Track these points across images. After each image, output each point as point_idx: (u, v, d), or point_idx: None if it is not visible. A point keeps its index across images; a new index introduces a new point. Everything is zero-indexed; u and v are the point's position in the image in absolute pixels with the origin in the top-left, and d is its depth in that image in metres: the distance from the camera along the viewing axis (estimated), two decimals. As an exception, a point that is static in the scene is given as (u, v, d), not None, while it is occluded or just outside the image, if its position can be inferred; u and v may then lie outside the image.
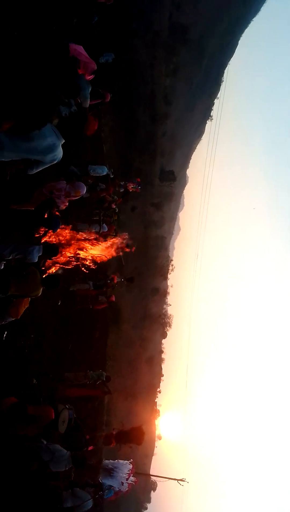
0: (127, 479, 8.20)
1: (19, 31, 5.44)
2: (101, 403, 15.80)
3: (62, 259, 6.24)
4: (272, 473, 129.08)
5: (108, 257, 6.64)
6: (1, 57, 4.26)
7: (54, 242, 5.05)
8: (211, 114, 54.06)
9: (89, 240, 6.70)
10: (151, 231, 39.03)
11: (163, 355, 52.29)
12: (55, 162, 3.97)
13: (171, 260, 49.37)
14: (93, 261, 7.00)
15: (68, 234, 6.50)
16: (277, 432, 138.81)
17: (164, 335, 49.61)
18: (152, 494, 47.71)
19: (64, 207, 6.01)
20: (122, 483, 8.10)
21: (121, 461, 8.42)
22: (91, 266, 7.26)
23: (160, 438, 48.62)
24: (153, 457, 46.48)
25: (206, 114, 53.33)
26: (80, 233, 6.46)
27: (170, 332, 50.00)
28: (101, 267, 11.86)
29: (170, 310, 50.19)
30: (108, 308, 16.13)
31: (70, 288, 10.40)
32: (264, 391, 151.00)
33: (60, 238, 6.17)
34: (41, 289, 5.04)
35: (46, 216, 4.64)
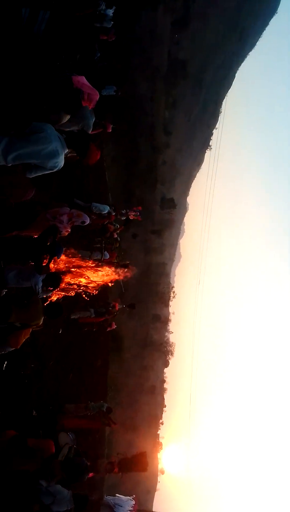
0: (129, 516, 7.82)
1: (23, 67, 5.62)
2: (102, 435, 15.33)
3: (63, 286, 6.22)
4: (277, 506, 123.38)
5: (109, 283, 6.63)
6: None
7: (57, 271, 5.02)
8: (210, 143, 55.38)
9: (90, 267, 6.70)
10: (152, 258, 39.14)
11: (165, 385, 51.17)
12: (55, 169, 3.88)
13: (173, 287, 49.18)
14: (95, 288, 6.98)
15: (70, 261, 6.51)
16: (283, 465, 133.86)
17: (166, 364, 48.70)
18: (155, 533, 45.50)
19: (66, 234, 6.00)
20: (124, 522, 7.73)
21: (123, 497, 8.05)
22: (92, 293, 7.23)
23: (163, 472, 46.87)
24: (155, 492, 44.62)
25: (205, 144, 54.61)
26: (81, 260, 6.47)
27: (172, 361, 49.17)
28: (102, 294, 11.81)
29: (172, 337, 49.58)
30: (109, 337, 15.94)
31: (72, 316, 10.31)
32: (270, 421, 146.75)
33: (62, 265, 6.18)
34: (43, 318, 4.99)
35: (48, 243, 4.64)
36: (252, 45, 54.90)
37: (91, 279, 6.30)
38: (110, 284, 7.10)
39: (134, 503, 8.85)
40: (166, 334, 48.67)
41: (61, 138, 3.81)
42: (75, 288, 6.27)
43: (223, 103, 53.59)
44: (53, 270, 5.01)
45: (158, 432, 44.33)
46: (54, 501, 4.91)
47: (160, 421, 46.67)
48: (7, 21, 4.01)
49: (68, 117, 4.27)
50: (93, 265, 6.59)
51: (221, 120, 53.65)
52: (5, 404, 5.93)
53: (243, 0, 39.77)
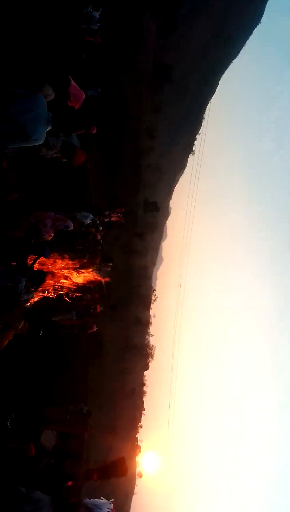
0: (108, 520, 7.76)
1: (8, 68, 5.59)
2: (81, 439, 15.19)
3: (45, 287, 6.17)
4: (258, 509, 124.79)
5: (91, 284, 6.61)
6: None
7: (40, 269, 4.99)
8: (193, 148, 55.92)
9: (73, 269, 6.68)
10: (134, 260, 39.17)
11: (145, 388, 51.11)
12: (35, 142, 3.77)
13: (154, 290, 49.33)
14: (76, 289, 6.95)
15: (52, 264, 6.46)
16: (264, 467, 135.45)
17: (146, 367, 48.69)
18: (132, 537, 45.28)
19: (50, 238, 5.97)
20: (103, 525, 7.67)
21: (101, 500, 8.00)
22: (74, 295, 7.19)
23: (141, 475, 46.70)
24: (133, 496, 44.47)
25: (188, 149, 55.11)
26: (64, 262, 6.43)
27: (153, 364, 49.18)
28: (84, 296, 11.75)
29: (152, 340, 49.63)
30: (90, 339, 15.84)
31: (52, 318, 10.22)
32: (252, 424, 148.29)
33: (44, 267, 6.13)
34: (23, 322, 4.93)
35: (32, 243, 4.61)
36: (236, 53, 55.81)
37: (73, 280, 6.27)
38: (91, 284, 7.09)
39: (112, 506, 8.81)
40: (147, 337, 48.72)
41: (49, 114, 3.78)
42: (57, 290, 6.24)
43: (207, 109, 54.31)
44: (38, 269, 4.97)
45: (136, 436, 44.22)
46: (35, 509, 4.87)
47: (139, 424, 46.57)
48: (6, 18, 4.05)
49: (52, 93, 4.26)
50: (76, 266, 6.57)
51: (205, 126, 54.31)
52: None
53: (230, 9, 40.44)
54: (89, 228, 11.06)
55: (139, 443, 43.36)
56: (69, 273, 6.47)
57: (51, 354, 10.35)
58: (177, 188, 65.68)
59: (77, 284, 6.74)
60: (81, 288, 7.03)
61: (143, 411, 49.32)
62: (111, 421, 29.17)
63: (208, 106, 54.07)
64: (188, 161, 59.43)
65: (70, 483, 6.64)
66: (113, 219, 14.73)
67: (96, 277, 7.48)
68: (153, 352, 45.88)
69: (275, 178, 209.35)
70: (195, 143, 56.07)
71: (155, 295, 47.89)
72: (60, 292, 6.55)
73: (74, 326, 11.95)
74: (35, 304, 6.21)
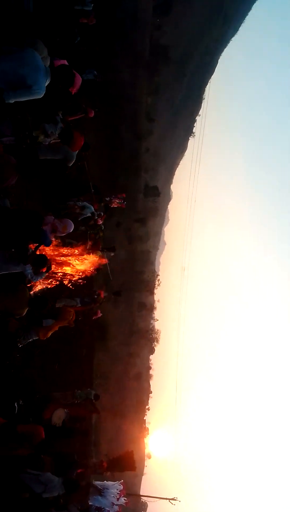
0: (117, 500, 8.00)
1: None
2: (89, 422, 15.47)
3: (48, 275, 6.18)
4: (267, 489, 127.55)
5: (93, 271, 6.63)
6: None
7: (41, 254, 4.97)
8: (193, 130, 55.16)
9: (75, 255, 6.68)
10: (136, 246, 39.15)
11: (151, 371, 51.76)
12: (36, 92, 3.70)
13: (158, 275, 49.43)
14: (80, 276, 6.96)
15: (55, 250, 6.47)
16: (272, 446, 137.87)
17: (151, 351, 49.19)
18: (143, 515, 46.51)
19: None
20: (113, 504, 7.90)
21: (110, 482, 8.23)
22: (77, 282, 7.21)
23: (149, 457, 47.69)
24: (143, 476, 45.48)
25: (188, 131, 54.36)
26: (66, 249, 6.43)
27: (158, 348, 49.65)
28: (87, 283, 11.79)
29: (157, 325, 50.00)
30: (95, 325, 15.97)
31: (56, 305, 10.28)
32: (258, 404, 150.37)
33: (46, 253, 6.13)
34: (27, 309, 4.96)
35: (33, 230, 4.58)
36: (235, 30, 54.53)
37: (76, 267, 6.28)
38: (94, 271, 7.10)
39: (121, 487, 9.06)
40: (152, 321, 49.06)
41: (47, 67, 3.74)
42: (60, 277, 6.25)
43: (206, 89, 53.31)
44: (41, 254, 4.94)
45: (144, 418, 44.99)
46: (45, 490, 5.00)
47: (147, 407, 47.33)
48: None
49: (45, 51, 4.23)
50: (78, 253, 6.57)
51: (205, 107, 53.37)
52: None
53: (227, -16, 39.40)
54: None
55: (147, 425, 44.17)
56: (71, 260, 6.47)
57: (56, 340, 10.45)
58: (178, 172, 65.09)
59: (80, 271, 6.74)
60: (84, 275, 7.04)
61: (150, 394, 50.09)
62: (118, 404, 29.66)
63: (207, 86, 53.11)
64: (188, 144, 58.73)
65: (80, 470, 6.83)
66: (114, 204, 14.68)
67: (99, 264, 7.50)
68: (158, 336, 46.28)
69: (276, 158, 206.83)
70: (195, 125, 55.32)
71: (158, 280, 48.00)
72: (63, 279, 6.57)
73: (78, 312, 12.04)
74: (39, 292, 6.24)
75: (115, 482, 8.58)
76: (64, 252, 6.58)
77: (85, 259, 6.94)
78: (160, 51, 31.31)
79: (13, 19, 4.28)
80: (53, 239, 6.05)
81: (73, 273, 6.78)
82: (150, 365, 51.42)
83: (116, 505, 8.31)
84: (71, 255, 6.68)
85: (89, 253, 7.43)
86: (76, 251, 6.72)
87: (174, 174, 63.25)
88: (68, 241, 8.28)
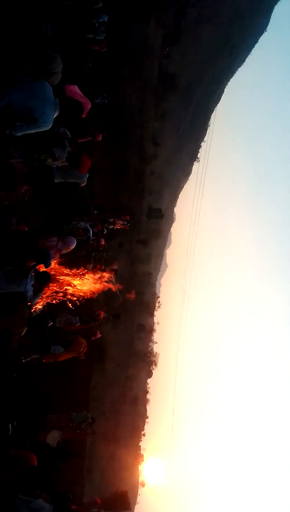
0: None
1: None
2: (83, 447, 15.10)
3: (49, 294, 6.17)
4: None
5: (96, 293, 6.61)
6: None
7: (43, 270, 4.97)
8: (198, 156, 56.00)
9: (77, 275, 6.67)
10: (138, 267, 39.12)
11: (148, 396, 50.77)
12: (43, 125, 3.73)
13: (158, 296, 49.15)
14: (81, 297, 6.94)
15: (56, 270, 6.47)
16: (269, 477, 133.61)
17: (149, 374, 48.40)
18: None
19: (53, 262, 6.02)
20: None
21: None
22: (78, 302, 7.18)
23: (143, 485, 46.29)
24: (136, 505, 43.96)
25: (193, 156, 55.20)
26: (68, 269, 6.43)
27: (156, 371, 48.87)
28: (88, 303, 11.74)
29: (156, 348, 49.37)
30: (93, 346, 15.77)
31: (56, 325, 10.20)
32: (257, 433, 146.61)
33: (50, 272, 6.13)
34: (25, 328, 4.92)
35: (35, 249, 4.60)
36: (241, 61, 56.05)
37: (78, 287, 6.27)
38: (95, 294, 7.08)
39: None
40: (150, 344, 48.47)
41: (56, 99, 3.77)
42: (61, 296, 6.23)
43: (212, 116, 54.43)
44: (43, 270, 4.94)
45: (139, 444, 43.86)
46: (36, 519, 4.81)
47: (142, 432, 46.19)
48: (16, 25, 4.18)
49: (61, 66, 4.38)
50: (80, 273, 6.57)
51: (210, 134, 54.40)
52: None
53: (235, 17, 40.67)
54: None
55: (142, 451, 43.03)
56: (73, 280, 6.46)
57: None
58: (182, 195, 65.75)
59: (81, 291, 6.72)
60: (86, 295, 7.02)
61: (146, 419, 48.96)
62: (113, 429, 28.97)
63: (213, 113, 54.25)
64: (193, 168, 59.53)
65: (74, 507, 6.62)
66: (118, 226, 14.79)
67: (101, 284, 7.48)
68: (156, 360, 45.62)
69: (279, 186, 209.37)
70: (200, 151, 56.20)
71: (159, 302, 47.69)
72: (64, 299, 6.55)
73: (77, 332, 11.93)
74: (39, 312, 6.21)
75: (108, 512, 8.33)
76: (66, 272, 6.58)
77: (87, 279, 6.93)
78: (168, 79, 32.15)
79: (33, 42, 4.43)
80: (57, 257, 6.08)
81: (74, 293, 6.77)
82: (147, 389, 50.48)
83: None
84: (73, 274, 6.68)
85: (91, 273, 7.43)
86: (79, 271, 6.72)
87: (178, 197, 63.86)
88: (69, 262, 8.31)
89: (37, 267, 4.63)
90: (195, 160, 56.13)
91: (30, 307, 5.04)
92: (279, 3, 50.25)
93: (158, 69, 30.82)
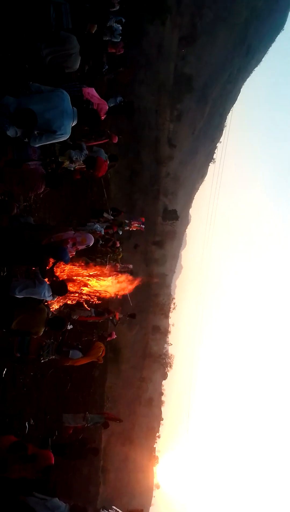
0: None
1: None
2: (98, 446, 15.16)
3: (66, 295, 6.23)
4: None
5: (113, 294, 6.63)
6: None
7: (61, 280, 5.03)
8: (214, 157, 55.77)
9: (94, 276, 6.72)
10: (153, 268, 39.09)
11: (163, 397, 50.64)
12: (61, 137, 3.79)
13: (173, 298, 49.03)
14: (97, 297, 6.98)
15: (73, 269, 6.53)
16: (287, 479, 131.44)
17: (164, 376, 48.28)
18: None
19: (70, 256, 6.09)
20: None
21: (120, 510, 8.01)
22: (94, 301, 7.23)
23: (158, 487, 46.15)
24: (150, 507, 43.87)
25: (209, 157, 54.99)
26: (85, 268, 6.48)
27: (171, 373, 48.70)
28: (103, 303, 11.81)
29: (171, 350, 49.22)
30: (108, 346, 15.84)
31: (72, 316, 10.22)
32: (273, 437, 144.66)
33: (65, 273, 6.20)
34: (43, 329, 4.99)
35: (53, 247, 4.66)
36: (258, 61, 55.59)
37: (95, 288, 6.31)
38: (116, 296, 7.10)
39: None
40: (165, 345, 48.36)
41: (74, 109, 3.79)
42: (78, 297, 6.29)
43: (228, 117, 54.13)
44: (57, 277, 5.00)
45: (154, 446, 43.76)
46: (51, 517, 4.87)
47: (157, 434, 46.09)
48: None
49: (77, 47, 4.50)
50: (97, 273, 6.61)
51: (226, 134, 54.14)
52: (3, 411, 5.90)
53: (251, 17, 40.36)
54: (108, 235, 11.20)
55: (156, 453, 42.92)
56: (89, 280, 6.51)
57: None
58: (197, 196, 65.57)
59: (97, 292, 6.77)
60: (101, 296, 7.07)
61: (161, 421, 48.84)
62: (128, 430, 28.99)
63: (229, 114, 53.94)
64: (208, 169, 59.30)
65: None
66: (133, 227, 14.85)
67: (117, 285, 7.52)
68: (171, 362, 45.48)
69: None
70: (216, 151, 55.95)
71: (174, 303, 47.56)
72: (80, 299, 6.61)
73: (92, 332, 12.02)
74: (57, 312, 6.28)
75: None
76: (82, 272, 6.63)
77: (103, 280, 6.96)
78: (183, 80, 32.12)
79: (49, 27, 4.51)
80: (73, 253, 6.12)
81: (90, 293, 6.82)
82: (162, 390, 50.38)
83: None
84: (90, 275, 6.73)
85: (107, 274, 7.47)
86: (95, 271, 6.77)
87: (193, 198, 63.71)
88: (86, 260, 8.38)
89: (56, 265, 4.67)
90: (211, 161, 55.92)
91: (49, 307, 5.11)
92: (295, 1, 49.46)
93: (174, 70, 30.83)
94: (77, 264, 6.20)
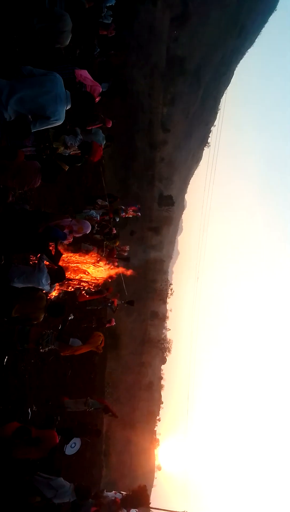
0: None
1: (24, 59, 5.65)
2: (100, 426, 15.40)
3: (64, 282, 6.23)
4: (277, 503, 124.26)
5: (109, 279, 6.66)
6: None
7: (59, 266, 5.00)
8: (209, 141, 55.33)
9: (91, 262, 6.72)
10: (150, 255, 39.17)
11: (162, 382, 51.34)
12: (56, 122, 3.74)
13: (170, 284, 49.27)
14: (94, 283, 7.00)
15: (71, 257, 6.52)
16: (285, 462, 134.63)
17: (163, 361, 48.86)
18: (152, 529, 45.65)
19: (68, 243, 6.05)
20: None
21: (122, 492, 8.16)
22: (92, 289, 7.26)
23: (159, 468, 47.15)
24: (152, 488, 44.90)
25: (203, 141, 54.56)
26: (82, 255, 6.48)
27: (170, 358, 49.29)
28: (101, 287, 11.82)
29: (169, 335, 49.71)
30: (107, 333, 15.93)
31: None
32: (270, 418, 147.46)
33: (62, 261, 6.19)
34: (43, 315, 5.00)
35: (41, 231, 4.62)
36: (251, 42, 54.84)
37: (92, 274, 6.32)
38: (109, 279, 7.11)
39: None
40: (164, 331, 48.80)
41: (67, 92, 3.71)
42: (76, 284, 6.30)
43: (222, 100, 53.55)
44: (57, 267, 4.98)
45: (155, 429, 44.57)
46: (56, 495, 5.00)
47: (157, 417, 46.88)
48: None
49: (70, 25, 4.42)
50: (94, 260, 6.61)
51: (220, 117, 53.62)
52: (6, 399, 5.95)
53: (243, -3, 39.63)
54: (105, 221, 11.13)
55: (157, 436, 43.73)
56: (87, 267, 6.51)
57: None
58: (193, 181, 65.30)
59: (95, 279, 6.78)
60: (99, 283, 7.08)
61: (161, 405, 49.63)
62: (128, 414, 29.45)
63: (223, 97, 53.36)
64: (203, 154, 58.89)
65: (94, 509, 6.77)
66: (129, 214, 14.77)
67: (113, 271, 7.53)
68: (170, 346, 45.96)
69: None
70: (210, 135, 55.51)
71: (171, 289, 47.82)
72: (79, 285, 6.62)
73: (92, 320, 12.07)
74: (56, 299, 6.28)
75: (125, 494, 8.52)
76: (79, 259, 6.62)
77: (100, 266, 6.97)
78: (176, 62, 31.62)
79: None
80: (70, 239, 6.10)
81: (88, 280, 6.83)
82: (162, 375, 51.04)
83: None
84: (87, 262, 6.72)
85: (104, 261, 7.47)
86: (92, 258, 6.76)
87: (188, 183, 63.43)
88: (84, 246, 8.35)
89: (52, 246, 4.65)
90: (206, 145, 55.48)
91: (47, 294, 5.11)
92: (289, -21, 48.60)
93: (166, 53, 30.31)
94: (76, 252, 6.19)
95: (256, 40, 56.00)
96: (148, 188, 33.36)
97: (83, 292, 9.65)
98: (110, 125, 8.66)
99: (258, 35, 55.03)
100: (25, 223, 4.49)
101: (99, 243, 10.57)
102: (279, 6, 53.08)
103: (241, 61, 55.98)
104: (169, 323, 52.08)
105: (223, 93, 53.46)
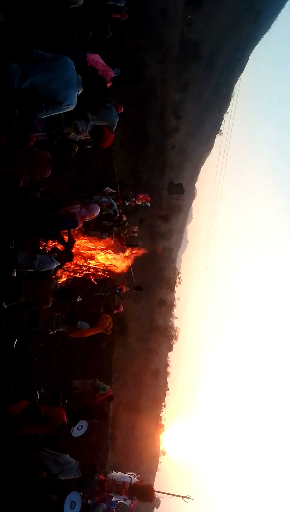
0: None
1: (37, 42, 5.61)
2: (107, 410, 15.65)
3: (73, 268, 6.29)
4: (281, 492, 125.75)
5: (119, 269, 6.69)
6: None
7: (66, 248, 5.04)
8: (221, 128, 54.53)
9: (100, 249, 6.76)
10: (159, 243, 39.12)
11: (168, 369, 51.79)
12: (67, 108, 3.69)
13: (179, 272, 49.28)
14: (104, 270, 7.04)
15: (80, 244, 6.56)
16: (285, 451, 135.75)
17: (170, 348, 49.20)
18: (155, 511, 46.63)
19: (78, 228, 6.09)
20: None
21: (128, 473, 8.35)
22: (101, 275, 7.31)
23: (164, 453, 47.90)
24: (157, 472, 45.73)
25: (215, 129, 53.79)
26: (92, 241, 6.51)
27: (176, 346, 49.61)
28: (109, 277, 11.90)
29: (176, 323, 49.94)
30: (115, 319, 16.07)
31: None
32: (275, 408, 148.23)
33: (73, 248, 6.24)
34: (52, 299, 5.06)
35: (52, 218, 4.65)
36: (266, 28, 53.33)
37: (101, 262, 6.35)
38: (120, 270, 7.15)
39: (138, 481, 9.20)
40: (171, 319, 49.03)
41: (79, 77, 3.68)
42: (85, 270, 6.35)
43: (236, 87, 52.53)
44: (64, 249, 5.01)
45: (160, 415, 45.13)
46: (62, 471, 5.15)
47: (163, 403, 47.44)
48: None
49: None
50: (103, 247, 6.64)
51: (233, 105, 52.68)
52: (15, 381, 6.09)
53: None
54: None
55: (162, 422, 44.33)
56: (96, 253, 6.55)
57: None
58: (204, 169, 64.63)
59: (104, 265, 6.82)
60: (108, 269, 7.13)
61: (167, 391, 50.16)
62: (134, 399, 29.84)
63: (237, 83, 52.32)
64: (215, 142, 58.13)
65: (102, 477, 6.95)
66: (139, 201, 14.75)
67: (122, 259, 7.56)
68: (177, 334, 46.21)
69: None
70: (223, 123, 54.68)
71: (179, 277, 47.84)
72: (87, 272, 6.67)
73: (100, 305, 12.18)
74: (65, 284, 6.35)
75: (132, 474, 8.72)
76: (89, 246, 6.66)
77: (110, 253, 7.01)
78: (190, 47, 30.99)
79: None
80: (80, 225, 6.14)
81: (97, 267, 6.87)
82: (168, 362, 51.46)
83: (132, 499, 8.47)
84: (96, 248, 6.76)
85: (114, 248, 7.50)
86: (102, 244, 6.79)
87: (199, 171, 62.82)
88: (93, 233, 8.39)
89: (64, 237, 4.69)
90: (218, 133, 54.70)
91: (56, 279, 5.18)
92: None
93: (180, 37, 29.70)
94: (86, 238, 6.22)
95: (272, 25, 54.51)
96: (158, 175, 33.13)
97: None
98: (121, 111, 8.59)
99: (274, 20, 53.50)
100: (36, 208, 4.52)
101: (108, 229, 10.60)
102: (296, -9, 51.34)
103: (256, 47, 54.65)
104: (176, 312, 52.31)
105: (237, 79, 52.42)
